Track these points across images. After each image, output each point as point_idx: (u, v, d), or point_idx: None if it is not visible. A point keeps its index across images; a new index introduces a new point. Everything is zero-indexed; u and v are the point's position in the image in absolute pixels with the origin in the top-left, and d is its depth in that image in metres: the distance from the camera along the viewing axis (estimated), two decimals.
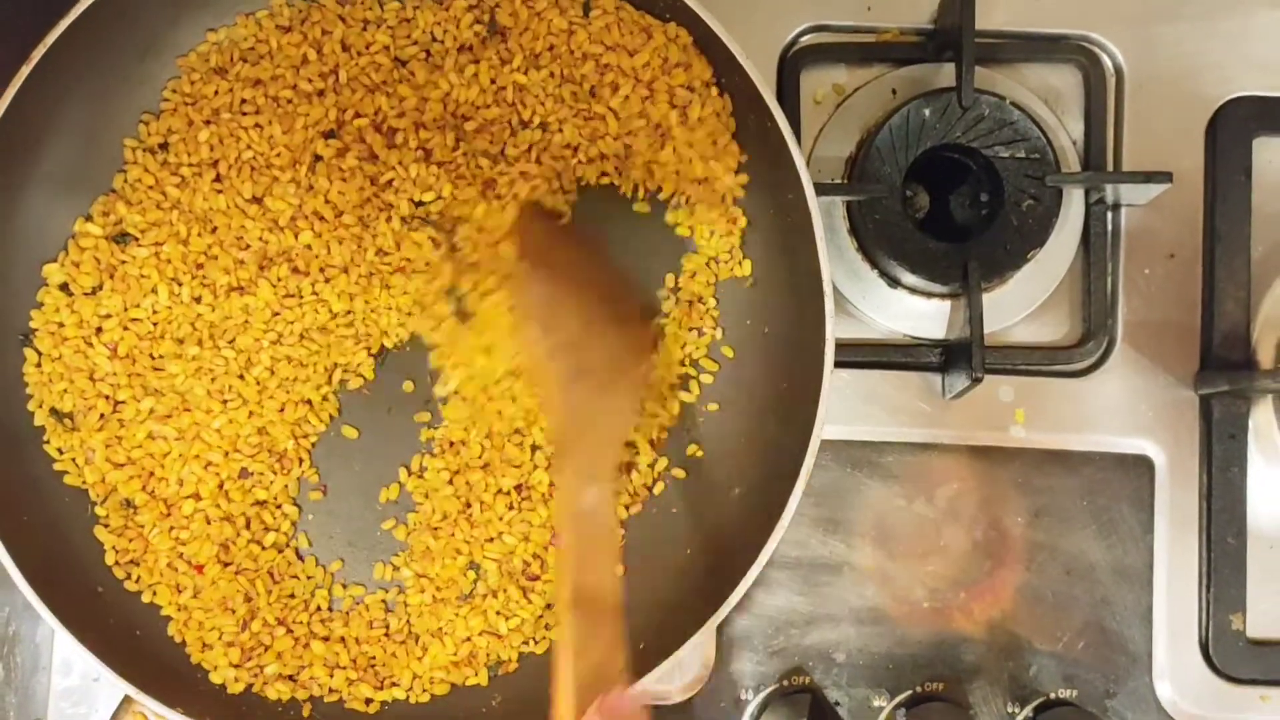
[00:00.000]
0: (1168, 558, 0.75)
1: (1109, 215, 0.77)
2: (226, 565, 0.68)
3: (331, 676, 0.68)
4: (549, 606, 0.68)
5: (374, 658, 0.68)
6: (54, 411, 0.67)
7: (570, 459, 0.59)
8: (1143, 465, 0.76)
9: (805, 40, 0.79)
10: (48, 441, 0.68)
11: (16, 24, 0.64)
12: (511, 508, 0.68)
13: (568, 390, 0.61)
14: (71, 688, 0.75)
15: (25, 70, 0.61)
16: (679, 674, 0.73)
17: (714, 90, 0.68)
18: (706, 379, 0.70)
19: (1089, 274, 0.77)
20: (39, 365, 0.67)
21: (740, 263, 0.70)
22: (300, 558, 0.70)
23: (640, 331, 0.67)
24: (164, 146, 0.68)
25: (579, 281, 0.65)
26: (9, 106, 0.61)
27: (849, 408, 0.76)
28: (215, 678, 0.67)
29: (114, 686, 0.63)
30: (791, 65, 0.78)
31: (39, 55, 0.62)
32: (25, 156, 0.65)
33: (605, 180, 0.69)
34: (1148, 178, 0.73)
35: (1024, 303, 0.77)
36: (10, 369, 0.67)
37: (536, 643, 0.69)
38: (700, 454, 0.70)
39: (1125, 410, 0.76)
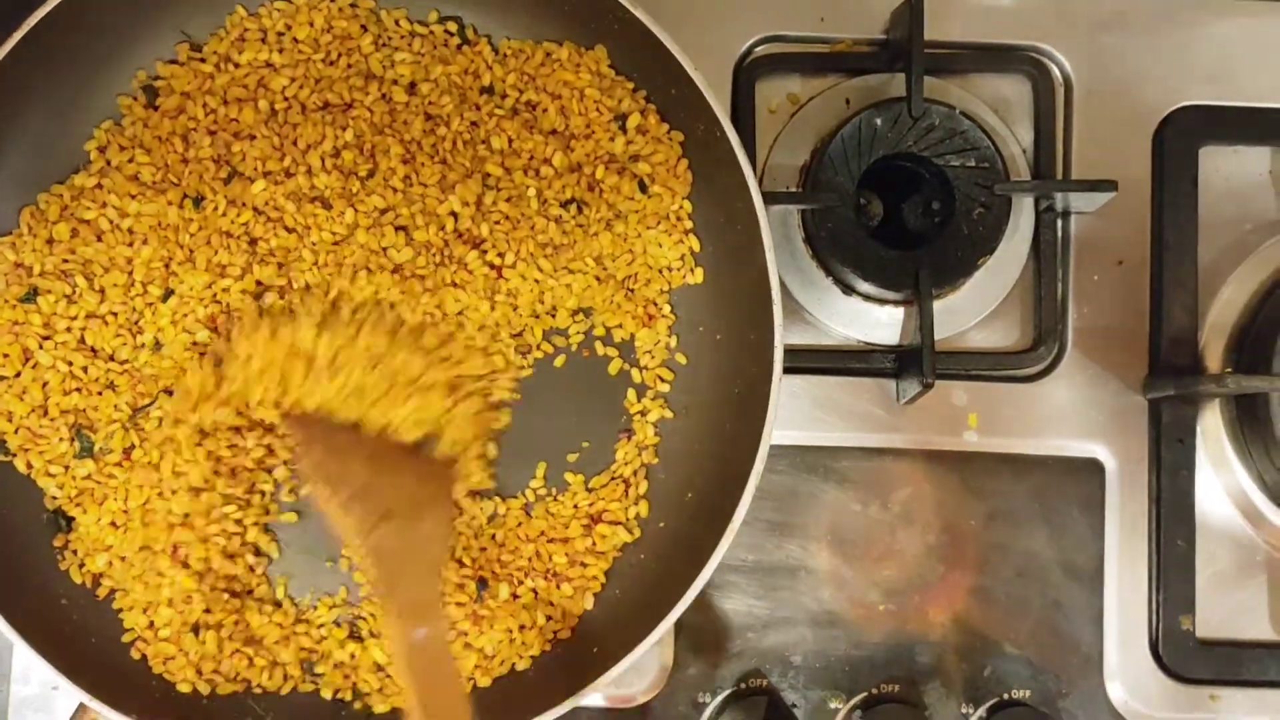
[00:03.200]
0: (1118, 560, 0.76)
1: (1059, 222, 0.78)
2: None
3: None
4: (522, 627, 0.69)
5: (338, 663, 0.69)
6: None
7: (392, 603, 0.59)
8: (1093, 469, 0.77)
9: (760, 50, 0.80)
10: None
11: None
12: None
13: (372, 537, 0.60)
14: (30, 696, 0.75)
15: None
16: (637, 677, 0.74)
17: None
18: (663, 386, 0.71)
19: (1039, 280, 0.78)
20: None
21: (692, 270, 0.70)
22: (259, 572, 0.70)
23: (430, 460, 0.67)
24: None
25: (355, 430, 0.64)
26: None
27: (804, 413, 0.77)
28: (182, 687, 0.67)
29: (72, 695, 0.63)
30: (747, 75, 0.79)
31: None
32: None
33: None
34: (1094, 186, 0.74)
35: (976, 309, 0.78)
36: None
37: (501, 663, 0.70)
38: (655, 460, 0.70)
39: (1076, 415, 0.77)
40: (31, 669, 0.75)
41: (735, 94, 0.79)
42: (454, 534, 0.68)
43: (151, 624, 0.67)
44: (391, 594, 0.60)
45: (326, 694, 0.68)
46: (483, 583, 0.68)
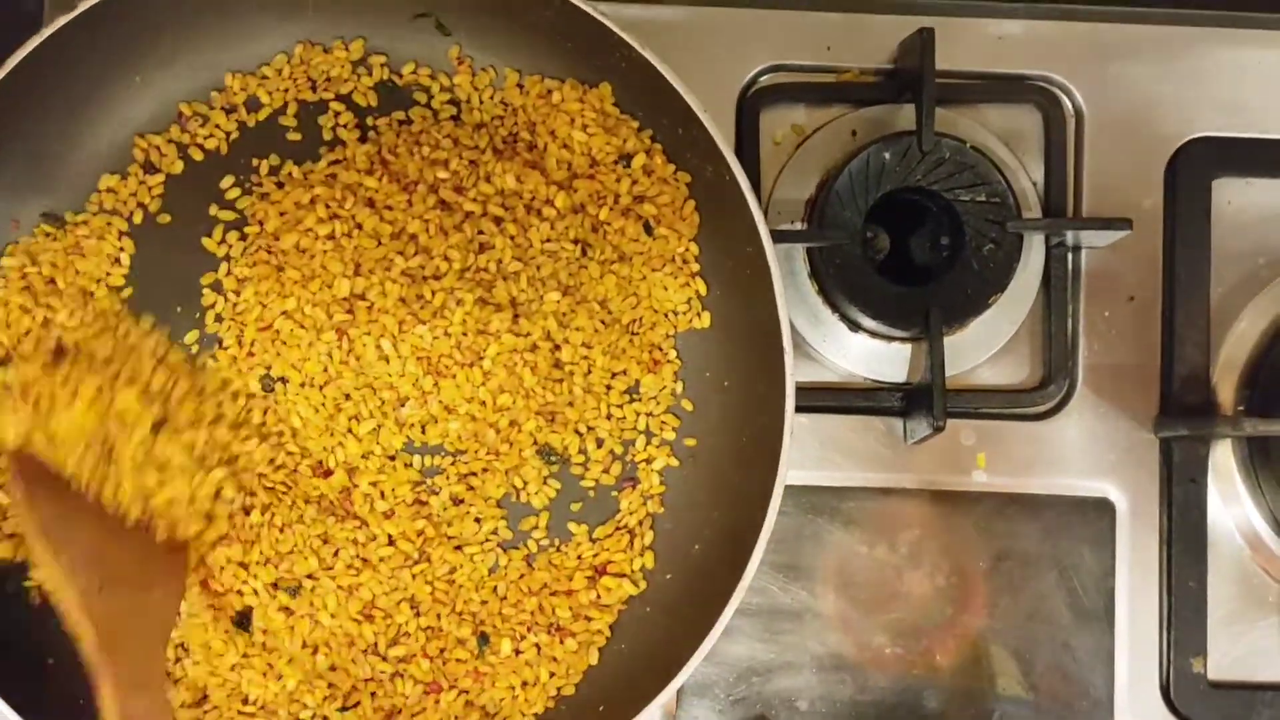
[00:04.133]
0: (1129, 601, 0.75)
1: (1069, 257, 0.77)
2: None
3: None
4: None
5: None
6: None
7: (109, 671, 0.55)
8: (1104, 508, 0.76)
9: (765, 80, 0.78)
10: None
11: None
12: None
13: (94, 602, 0.57)
14: None
15: None
16: None
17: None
18: (668, 434, 0.69)
19: (1050, 317, 0.77)
20: None
21: (699, 314, 0.69)
22: None
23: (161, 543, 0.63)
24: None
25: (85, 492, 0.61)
26: None
27: (809, 453, 0.76)
28: None
29: None
30: (751, 105, 0.77)
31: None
32: None
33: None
34: (1107, 224, 0.73)
35: (985, 346, 0.77)
36: None
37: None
38: (661, 509, 0.69)
39: (1086, 453, 0.76)
40: None
41: (739, 125, 0.77)
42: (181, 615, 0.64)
43: None
44: (109, 663, 0.56)
45: None
46: (484, 638, 0.66)
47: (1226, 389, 0.76)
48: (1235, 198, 0.78)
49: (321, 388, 0.66)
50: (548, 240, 0.67)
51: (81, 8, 0.62)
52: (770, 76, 0.78)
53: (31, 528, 0.58)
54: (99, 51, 0.65)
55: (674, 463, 0.69)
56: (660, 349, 0.69)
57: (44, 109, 0.66)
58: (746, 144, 0.77)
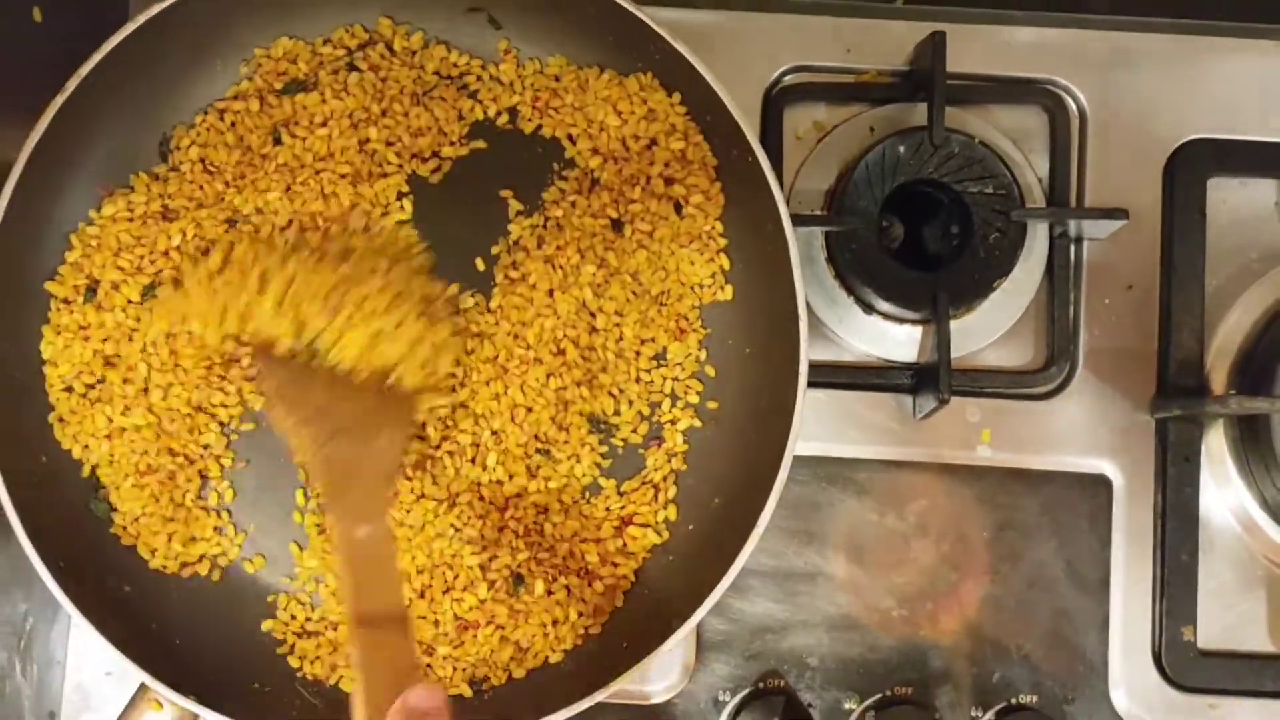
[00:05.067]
0: (1124, 572, 0.79)
1: (1072, 248, 0.82)
2: None
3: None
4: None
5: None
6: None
7: (337, 505, 0.62)
8: (1101, 484, 0.80)
9: (789, 80, 0.84)
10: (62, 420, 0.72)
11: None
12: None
13: (324, 448, 0.64)
14: (83, 682, 0.79)
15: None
16: (660, 676, 0.78)
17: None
18: (692, 397, 0.74)
19: (1052, 303, 0.82)
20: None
21: (723, 287, 0.74)
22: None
23: (392, 389, 0.69)
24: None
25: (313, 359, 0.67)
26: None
27: (824, 426, 0.81)
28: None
29: (128, 678, 0.66)
30: (775, 102, 0.83)
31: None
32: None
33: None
34: (1106, 214, 0.78)
35: (991, 329, 0.82)
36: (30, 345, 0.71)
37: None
38: (684, 466, 0.74)
39: (1085, 432, 0.81)
40: (87, 655, 0.79)
41: (764, 120, 0.83)
42: (407, 452, 0.70)
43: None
44: (338, 499, 0.63)
45: None
46: (519, 579, 0.72)
47: (1219, 374, 0.81)
48: (1229, 196, 0.83)
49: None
50: (585, 216, 0.73)
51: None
52: (794, 76, 0.84)
53: (269, 391, 0.67)
54: (184, 39, 0.72)
55: (697, 424, 0.74)
56: (686, 319, 0.74)
57: (132, 93, 0.72)
58: (770, 138, 0.82)
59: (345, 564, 0.59)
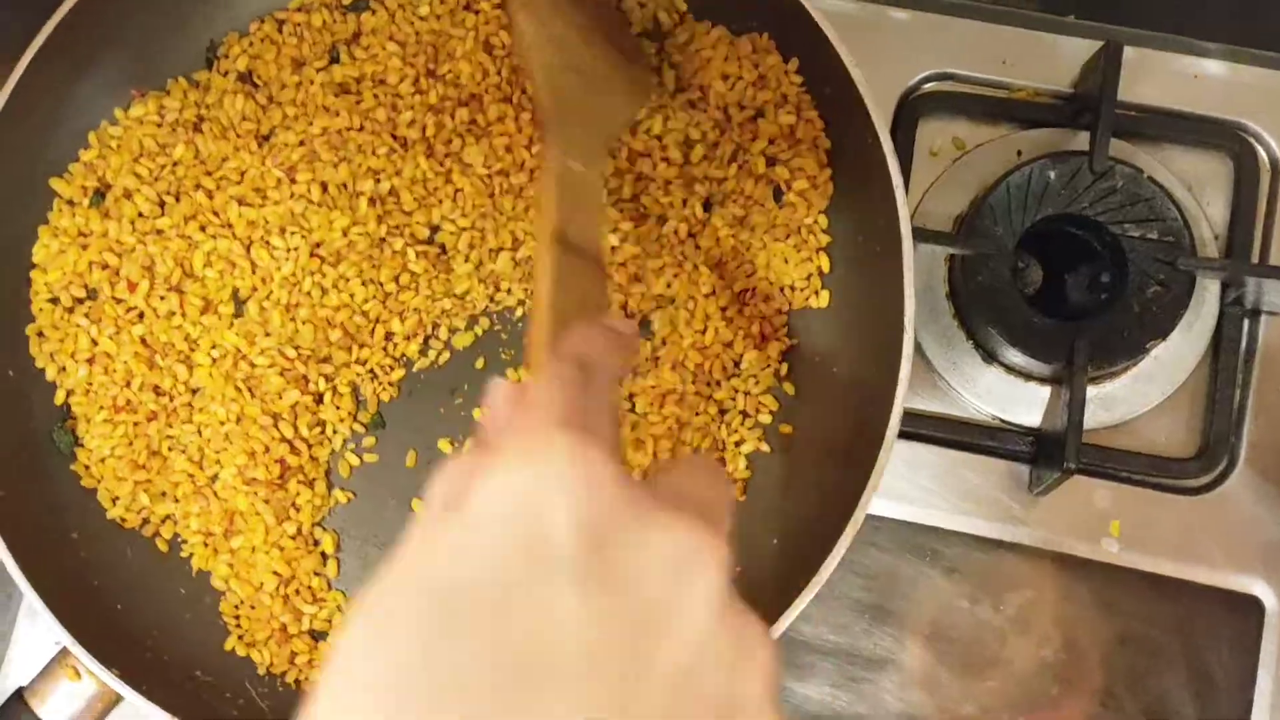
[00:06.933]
0: (1269, 714, 0.64)
1: (1246, 321, 0.69)
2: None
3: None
4: None
5: None
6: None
7: (557, 134, 0.53)
8: (1251, 607, 0.66)
9: (929, 87, 0.73)
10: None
11: None
12: None
13: (556, 77, 0.54)
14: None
15: None
16: None
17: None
18: (763, 417, 0.63)
19: (1215, 381, 0.68)
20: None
21: (817, 293, 0.63)
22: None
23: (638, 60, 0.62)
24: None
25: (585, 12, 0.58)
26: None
27: (918, 485, 0.68)
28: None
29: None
30: (910, 110, 0.72)
31: None
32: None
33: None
34: None
35: (1136, 401, 0.68)
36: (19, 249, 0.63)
37: None
38: (742, 496, 0.62)
39: (1238, 541, 0.67)
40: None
41: (895, 129, 0.72)
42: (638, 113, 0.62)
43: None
44: (558, 129, 0.53)
45: None
46: None
47: None
48: None
49: None
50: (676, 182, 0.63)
51: None
52: (936, 84, 0.73)
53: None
54: None
55: (765, 448, 0.62)
56: (770, 323, 0.63)
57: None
58: (900, 150, 0.71)
59: (553, 188, 0.50)
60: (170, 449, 0.62)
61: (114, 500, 0.62)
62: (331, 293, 0.62)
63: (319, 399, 0.63)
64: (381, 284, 0.63)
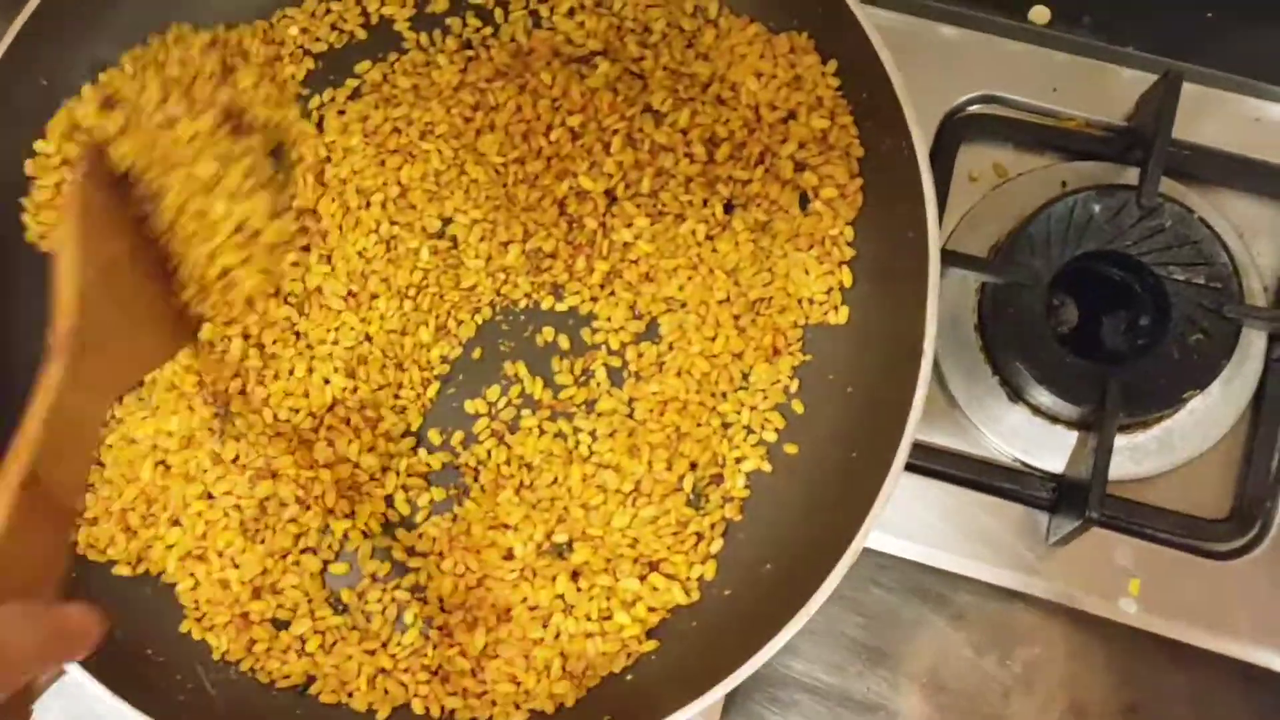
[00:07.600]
0: None
1: None
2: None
3: None
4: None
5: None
6: None
7: (70, 362, 0.50)
8: (1274, 683, 0.61)
9: (974, 109, 0.70)
10: None
11: None
12: None
13: (96, 302, 0.52)
14: None
15: None
16: None
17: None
18: (769, 434, 0.59)
19: (1253, 440, 0.64)
20: None
21: (836, 308, 0.59)
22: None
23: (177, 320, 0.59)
24: None
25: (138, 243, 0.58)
26: None
27: (928, 525, 0.64)
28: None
29: None
30: (952, 131, 0.69)
31: None
32: None
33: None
34: None
35: (1167, 454, 0.64)
36: None
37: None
38: (739, 517, 0.58)
39: (1265, 612, 0.62)
40: None
41: (936, 150, 0.68)
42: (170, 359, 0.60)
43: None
44: (80, 355, 0.51)
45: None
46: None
47: None
48: None
49: None
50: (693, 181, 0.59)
51: None
52: (982, 106, 0.70)
53: (76, 208, 0.55)
54: None
55: (766, 468, 0.58)
56: (785, 336, 0.59)
57: None
58: (938, 172, 0.68)
59: (43, 420, 0.47)
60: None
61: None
62: None
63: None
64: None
